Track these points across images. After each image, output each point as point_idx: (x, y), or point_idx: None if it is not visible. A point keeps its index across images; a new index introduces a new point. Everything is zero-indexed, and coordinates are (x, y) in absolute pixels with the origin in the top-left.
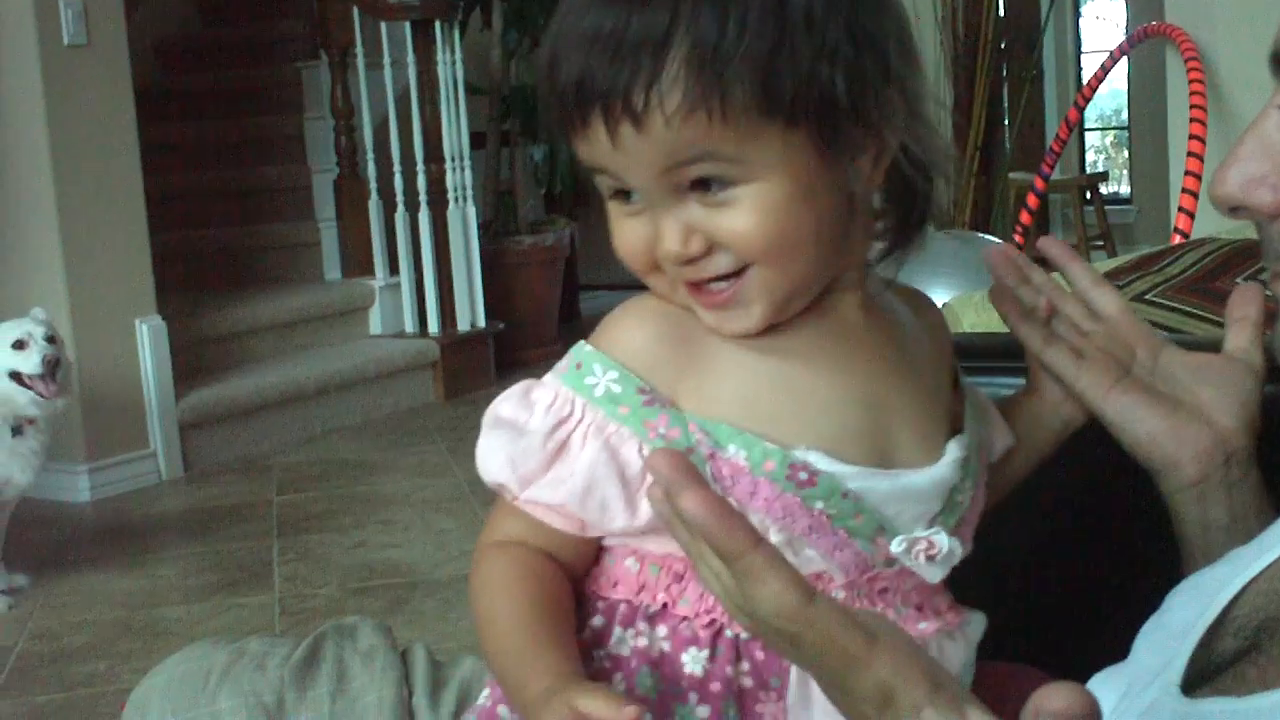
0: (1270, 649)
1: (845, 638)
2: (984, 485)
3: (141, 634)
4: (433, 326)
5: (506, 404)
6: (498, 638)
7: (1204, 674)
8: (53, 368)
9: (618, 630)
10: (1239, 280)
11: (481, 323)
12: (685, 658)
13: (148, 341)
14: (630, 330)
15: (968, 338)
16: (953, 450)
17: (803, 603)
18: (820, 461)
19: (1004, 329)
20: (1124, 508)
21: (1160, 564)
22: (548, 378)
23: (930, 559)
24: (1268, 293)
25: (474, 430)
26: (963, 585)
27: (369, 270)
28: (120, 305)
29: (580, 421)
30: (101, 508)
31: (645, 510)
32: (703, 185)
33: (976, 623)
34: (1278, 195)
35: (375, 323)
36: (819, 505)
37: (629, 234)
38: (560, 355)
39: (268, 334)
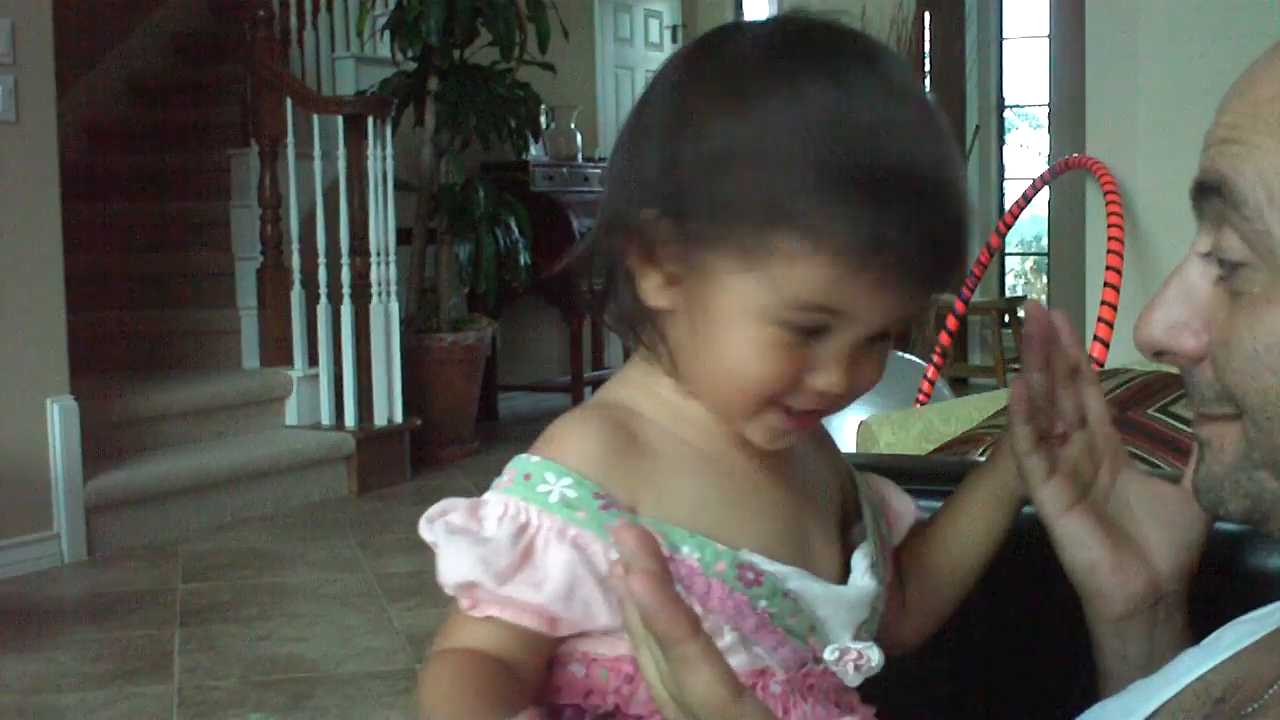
0: None
1: None
2: (889, 586)
3: None
4: (349, 420)
5: (455, 515)
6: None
7: None
8: None
9: None
10: (1151, 411)
11: (399, 418)
12: None
13: (58, 421)
14: (580, 440)
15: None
16: (860, 560)
17: (732, 696)
18: (763, 562)
19: (919, 451)
20: (1048, 622)
21: (1077, 681)
22: (490, 495)
23: (858, 669)
24: (1190, 431)
25: (386, 525)
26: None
27: (288, 360)
28: (32, 383)
29: (540, 527)
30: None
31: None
32: (880, 337)
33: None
34: (1199, 341)
35: (291, 413)
36: (763, 604)
37: (783, 364)
38: (477, 454)
39: (182, 419)
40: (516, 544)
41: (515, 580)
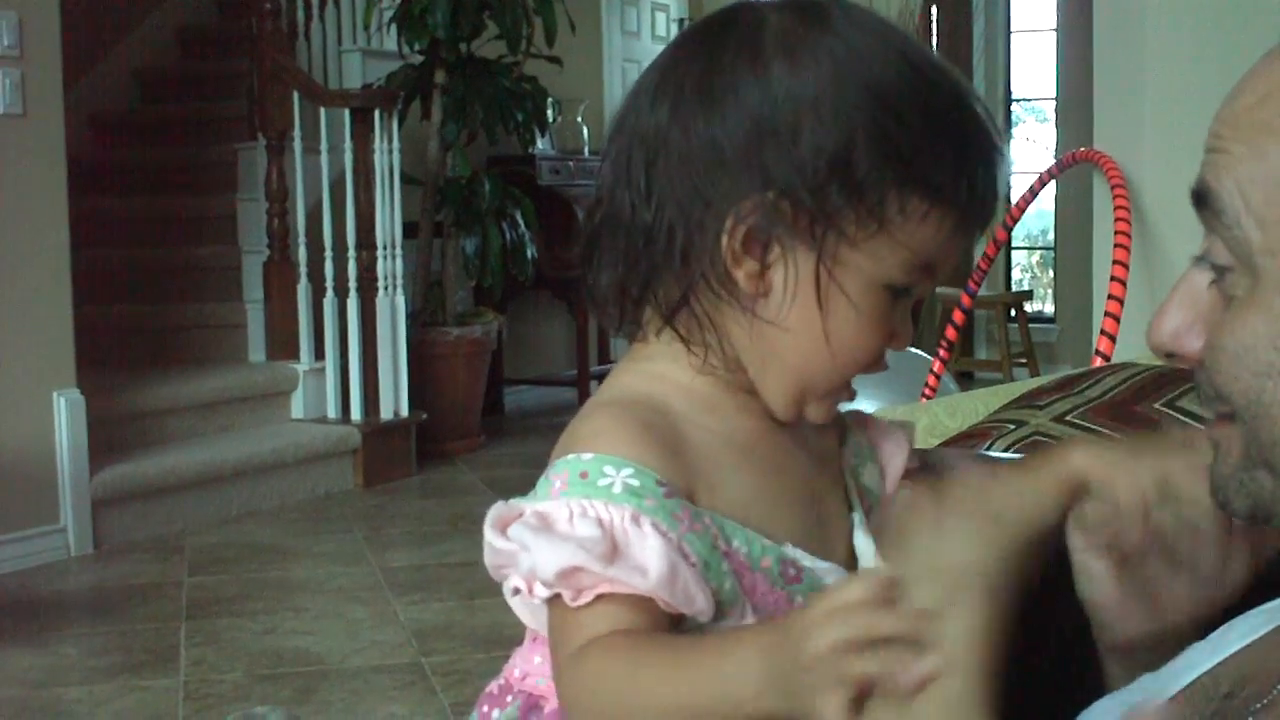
0: None
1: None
2: None
3: (40, 714)
4: (355, 413)
5: (529, 518)
6: (665, 676)
7: None
8: None
9: None
10: (1157, 406)
11: (405, 412)
12: None
13: (64, 415)
14: (627, 430)
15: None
16: (862, 540)
17: None
18: (804, 558)
19: (924, 445)
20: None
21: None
22: (546, 505)
23: None
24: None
25: (392, 519)
26: None
27: (294, 354)
28: (39, 377)
29: (614, 521)
30: (5, 582)
31: (711, 595)
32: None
33: None
34: (1202, 343)
35: (297, 407)
36: (799, 600)
37: (887, 326)
38: (482, 448)
39: (188, 413)
40: (604, 538)
41: (617, 566)
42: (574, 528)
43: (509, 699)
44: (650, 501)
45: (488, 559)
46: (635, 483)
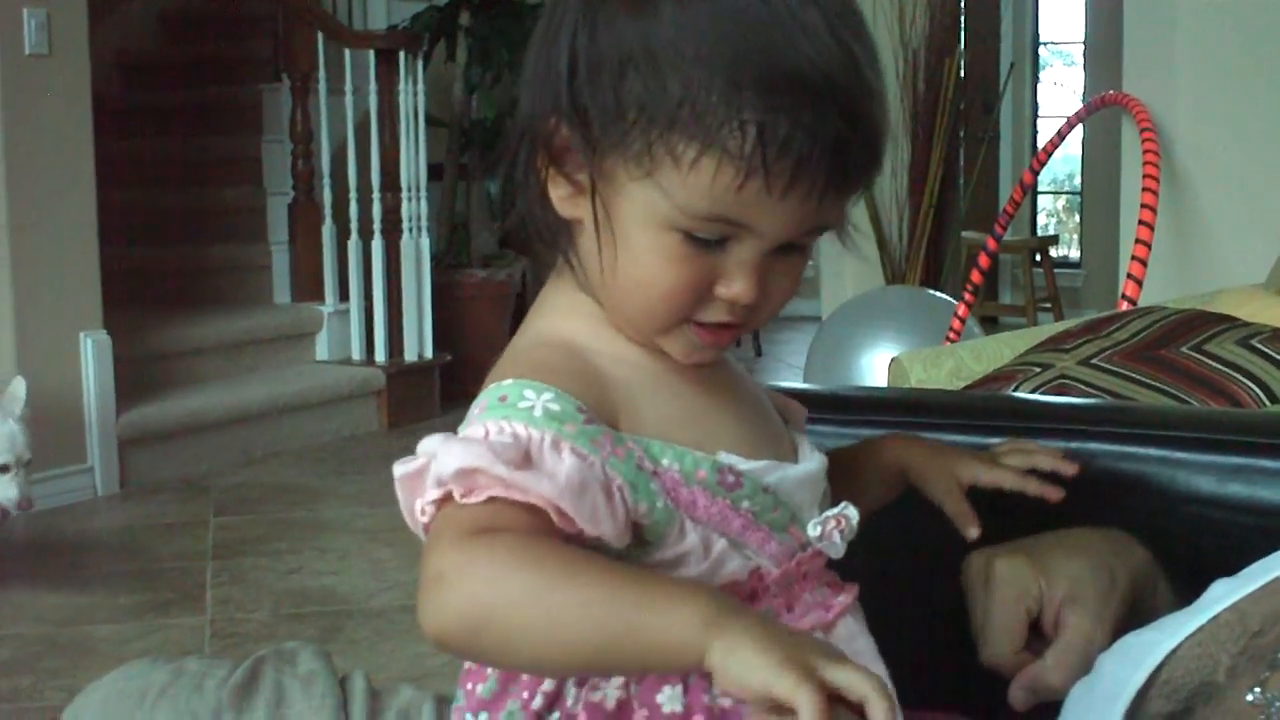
0: (1204, 713)
1: None
2: None
3: (68, 651)
4: (380, 355)
5: (442, 436)
6: (575, 591)
7: None
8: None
9: (572, 691)
10: (1185, 349)
11: (429, 354)
12: (660, 698)
13: (91, 356)
14: (546, 358)
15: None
16: (801, 440)
17: None
18: (741, 463)
19: (950, 387)
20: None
21: None
22: (466, 428)
23: (841, 534)
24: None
25: None
26: (898, 630)
27: (318, 296)
28: (66, 318)
29: (532, 438)
30: (33, 521)
31: (623, 523)
32: (791, 247)
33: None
34: None
35: (322, 348)
36: (745, 504)
37: (686, 274)
38: None
39: (213, 354)
40: (516, 448)
41: (522, 473)
42: (494, 438)
43: (488, 671)
44: (570, 427)
45: (402, 504)
46: (556, 407)
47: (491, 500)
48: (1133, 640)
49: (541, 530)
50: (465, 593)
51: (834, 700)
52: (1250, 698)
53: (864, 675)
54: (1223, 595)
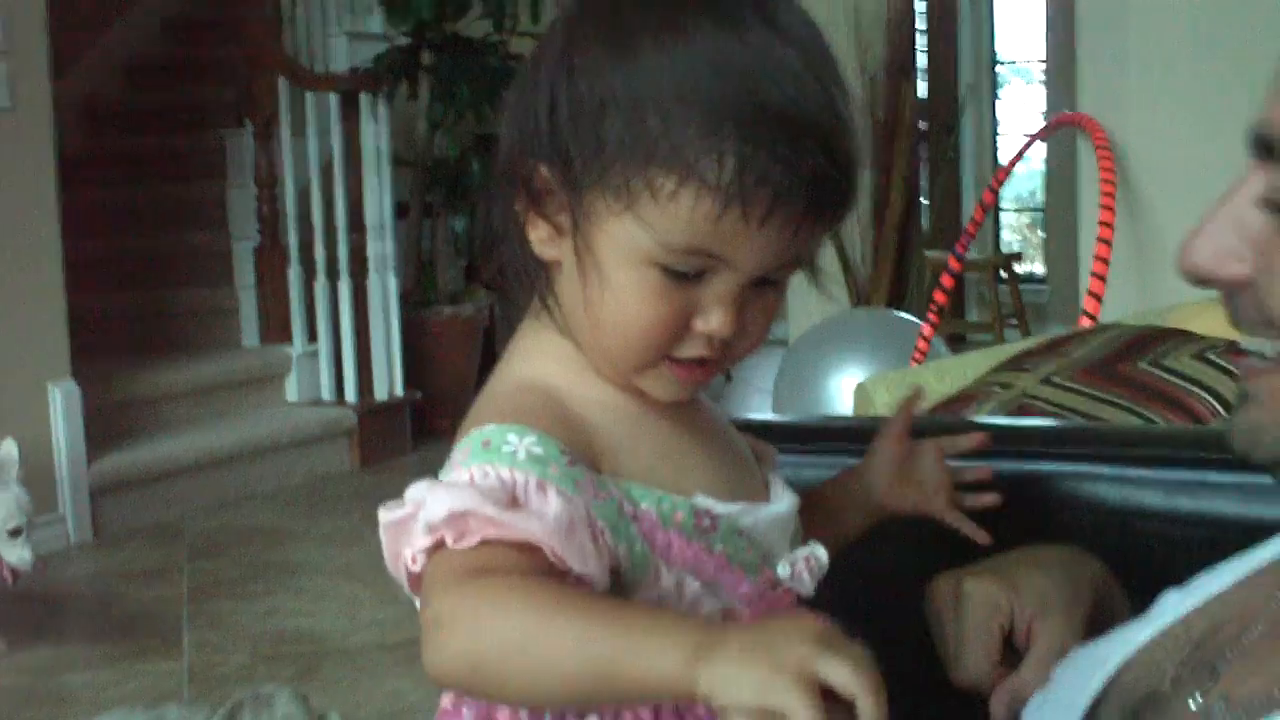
0: None
1: None
2: None
3: (46, 702)
4: (350, 395)
5: (428, 482)
6: (569, 629)
7: None
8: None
9: None
10: (1142, 365)
11: (399, 392)
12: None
13: (60, 405)
14: (527, 403)
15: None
16: (774, 478)
17: None
18: (717, 506)
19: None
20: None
21: None
22: (450, 474)
23: (811, 574)
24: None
25: (389, 498)
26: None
27: (287, 338)
28: (34, 368)
29: (517, 482)
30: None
31: (606, 564)
32: (766, 282)
33: None
34: (1244, 267)
35: (292, 390)
36: (719, 547)
37: (665, 309)
38: None
39: (183, 399)
40: (504, 490)
41: (512, 513)
42: (480, 483)
43: (464, 711)
44: (554, 469)
45: (386, 551)
46: (539, 450)
47: (484, 543)
48: (1086, 652)
49: (534, 569)
50: (463, 635)
51: (826, 696)
52: (1193, 706)
53: (854, 671)
54: (1172, 606)
